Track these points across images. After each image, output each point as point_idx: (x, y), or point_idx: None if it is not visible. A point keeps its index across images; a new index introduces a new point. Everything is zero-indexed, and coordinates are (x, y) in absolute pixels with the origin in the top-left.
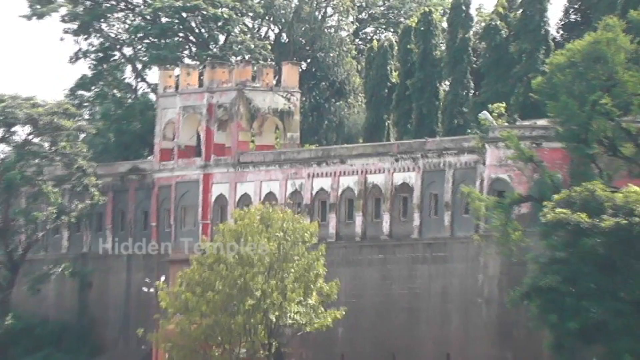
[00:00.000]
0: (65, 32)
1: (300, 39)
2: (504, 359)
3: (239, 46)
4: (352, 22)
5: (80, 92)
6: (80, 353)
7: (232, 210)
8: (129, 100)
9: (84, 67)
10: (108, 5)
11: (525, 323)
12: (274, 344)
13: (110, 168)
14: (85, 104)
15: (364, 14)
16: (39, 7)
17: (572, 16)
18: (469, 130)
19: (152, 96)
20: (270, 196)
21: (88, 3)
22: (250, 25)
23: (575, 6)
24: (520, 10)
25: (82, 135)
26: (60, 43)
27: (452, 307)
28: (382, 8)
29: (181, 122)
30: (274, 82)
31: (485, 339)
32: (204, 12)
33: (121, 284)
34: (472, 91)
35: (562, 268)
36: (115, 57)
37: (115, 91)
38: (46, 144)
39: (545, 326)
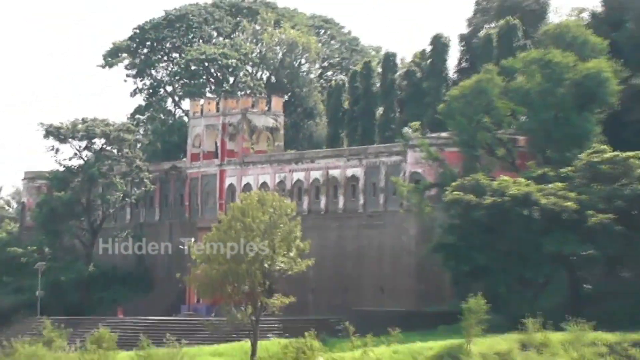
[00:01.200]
0: (127, 76)
1: (284, 79)
2: (419, 291)
3: (243, 84)
4: (318, 68)
5: (137, 116)
6: (138, 289)
7: (239, 193)
8: (170, 121)
9: (139, 99)
10: (156, 58)
11: (434, 267)
12: (267, 282)
13: (158, 166)
14: (141, 124)
15: (325, 63)
16: (109, 59)
17: (464, 64)
18: (396, 140)
19: (185, 118)
20: (264, 185)
21: (142, 57)
22: (250, 71)
23: (466, 57)
24: (430, 60)
25: (139, 145)
26: (124, 83)
27: (385, 257)
28: (337, 59)
29: (204, 135)
30: (266, 108)
31: (408, 277)
32: (220, 62)
33: (167, 243)
34: (398, 114)
35: (458, 231)
36: (161, 93)
37: (160, 115)
38: (115, 151)
39: (447, 269)
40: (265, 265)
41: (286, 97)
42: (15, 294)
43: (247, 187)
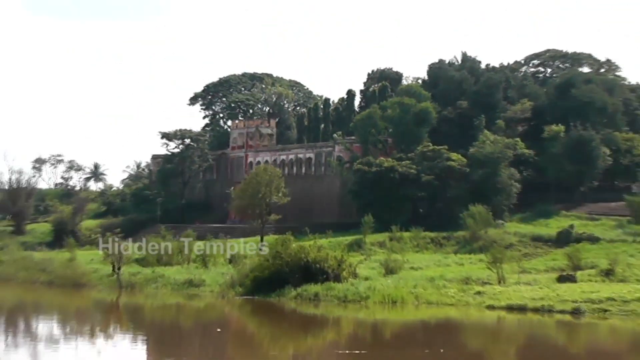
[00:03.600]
0: (201, 109)
1: (276, 111)
2: (341, 212)
3: (257, 114)
4: (292, 106)
5: (206, 128)
6: (206, 211)
7: (254, 166)
8: (221, 131)
9: (207, 120)
10: (214, 100)
11: (349, 201)
12: (268, 208)
13: (215, 153)
14: (208, 132)
15: (295, 103)
16: (192, 101)
17: (362, 104)
18: (330, 140)
19: (229, 129)
20: (266, 162)
21: (208, 100)
22: (260, 107)
23: (363, 101)
24: (346, 102)
25: (207, 142)
26: (199, 112)
27: (325, 196)
28: (301, 101)
29: (238, 138)
30: (268, 125)
31: (336, 206)
32: (245, 103)
33: (220, 190)
34: (331, 128)
35: (360, 183)
36: (217, 117)
37: (217, 128)
38: (195, 145)
39: (354, 202)
40: (267, 200)
41: (277, 120)
42: (146, 213)
43: (258, 163)
